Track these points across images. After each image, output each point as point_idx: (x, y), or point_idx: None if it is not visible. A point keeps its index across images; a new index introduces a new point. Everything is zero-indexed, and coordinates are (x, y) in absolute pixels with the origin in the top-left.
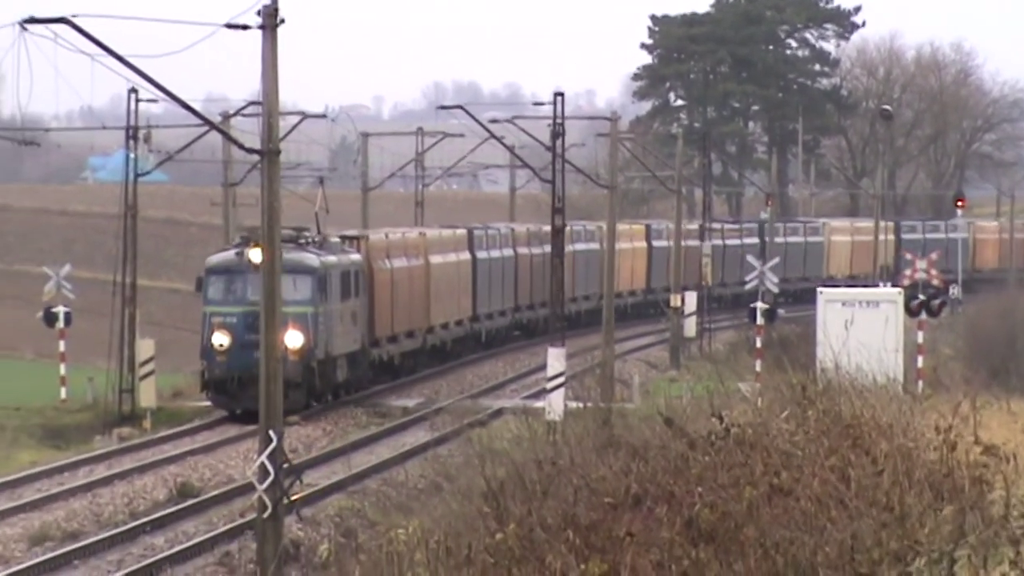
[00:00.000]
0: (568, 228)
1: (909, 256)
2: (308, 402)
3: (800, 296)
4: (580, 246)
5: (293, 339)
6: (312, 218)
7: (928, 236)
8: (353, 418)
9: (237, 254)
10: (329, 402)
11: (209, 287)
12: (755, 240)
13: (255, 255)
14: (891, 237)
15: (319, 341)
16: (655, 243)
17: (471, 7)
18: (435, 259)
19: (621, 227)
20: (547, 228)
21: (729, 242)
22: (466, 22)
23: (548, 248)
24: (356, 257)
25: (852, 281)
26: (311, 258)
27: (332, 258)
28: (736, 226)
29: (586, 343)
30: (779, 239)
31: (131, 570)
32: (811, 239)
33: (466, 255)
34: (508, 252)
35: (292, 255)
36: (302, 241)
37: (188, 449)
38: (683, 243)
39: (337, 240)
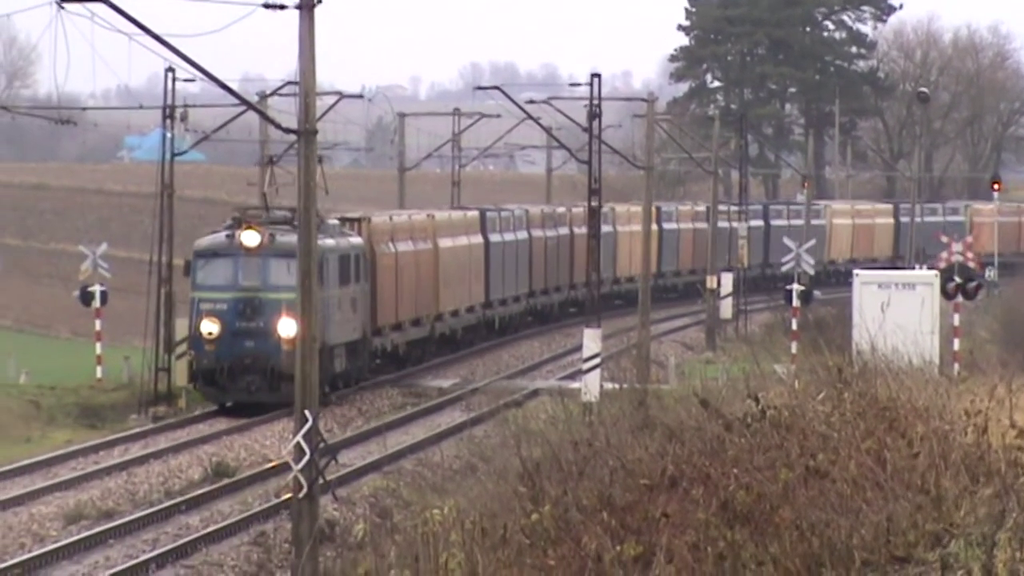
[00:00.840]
0: (581, 210)
1: (945, 239)
2: None
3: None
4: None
5: (286, 328)
6: (346, 199)
7: (926, 219)
8: (388, 398)
9: (228, 236)
10: (326, 394)
11: (198, 271)
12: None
13: (248, 237)
14: (890, 220)
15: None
16: (665, 226)
17: None
18: (444, 243)
19: (630, 209)
20: (561, 209)
21: (735, 224)
22: (503, 2)
23: (563, 231)
24: (356, 240)
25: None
26: None
27: (330, 241)
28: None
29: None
30: (781, 221)
31: (166, 549)
32: (813, 222)
33: (478, 238)
34: (523, 235)
35: (285, 238)
36: (296, 223)
37: (223, 428)
38: (692, 225)
39: (335, 222)
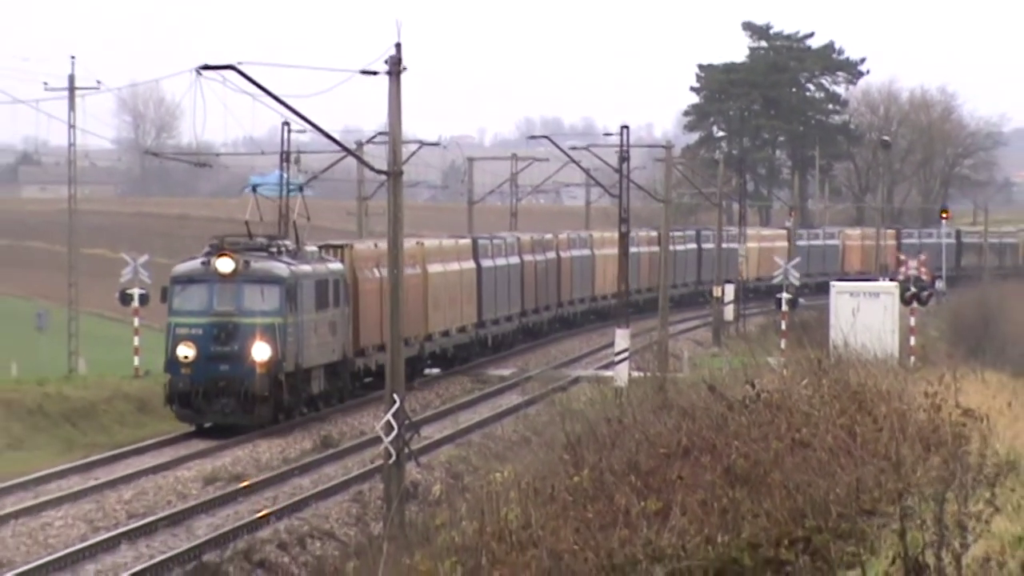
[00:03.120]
0: (566, 236)
1: (903, 256)
2: (276, 416)
3: (823, 287)
4: (576, 252)
5: (260, 352)
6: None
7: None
8: (460, 385)
9: (203, 264)
10: (305, 414)
11: (175, 297)
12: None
13: (223, 264)
14: (891, 242)
15: (287, 353)
16: (633, 249)
17: (555, 57)
18: (434, 268)
19: (603, 235)
20: (549, 236)
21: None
22: (551, 69)
23: (551, 255)
24: (336, 266)
25: (861, 276)
26: (280, 267)
27: (306, 268)
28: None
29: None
30: (803, 242)
31: (283, 505)
32: (828, 242)
33: (470, 263)
34: (514, 260)
35: (260, 264)
36: (273, 250)
37: (330, 410)
38: (673, 248)
39: (314, 249)
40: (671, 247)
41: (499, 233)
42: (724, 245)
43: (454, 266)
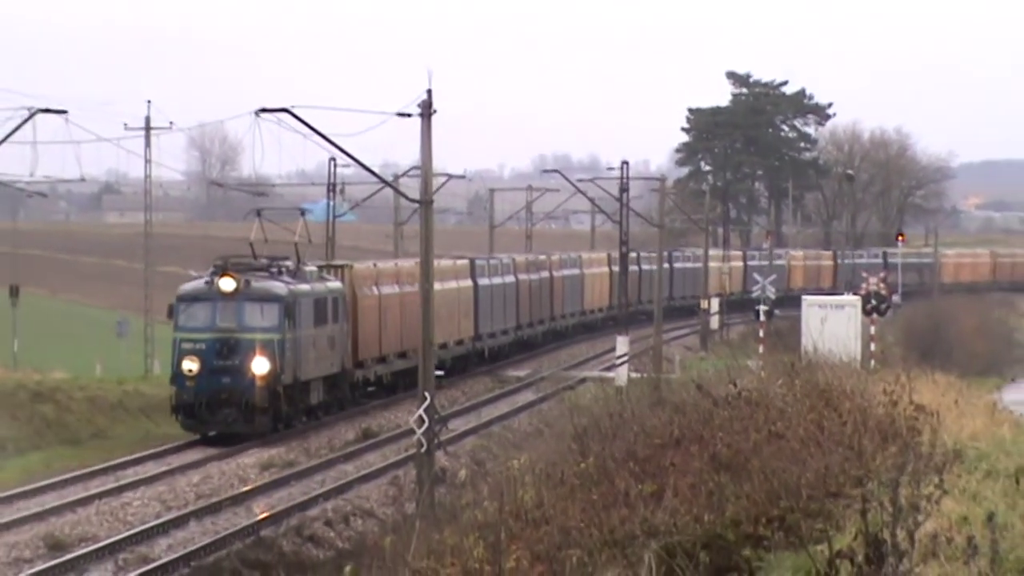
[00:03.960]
0: (558, 257)
1: (865, 274)
2: (275, 426)
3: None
4: (567, 271)
5: (259, 366)
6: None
7: (854, 261)
8: (483, 384)
9: (207, 283)
10: (304, 422)
11: (180, 314)
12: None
13: (225, 283)
14: (828, 263)
15: (286, 367)
16: (615, 268)
17: (565, 101)
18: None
19: (592, 256)
20: (542, 257)
21: (720, 264)
22: (561, 111)
23: (544, 274)
24: (335, 285)
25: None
26: (279, 287)
27: (304, 286)
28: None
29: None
30: (754, 263)
31: (330, 488)
32: (776, 263)
33: (468, 282)
34: (510, 279)
35: (260, 284)
36: (273, 270)
37: (371, 405)
38: (650, 267)
39: (313, 269)
40: (647, 267)
41: (496, 255)
42: (692, 265)
43: (452, 284)
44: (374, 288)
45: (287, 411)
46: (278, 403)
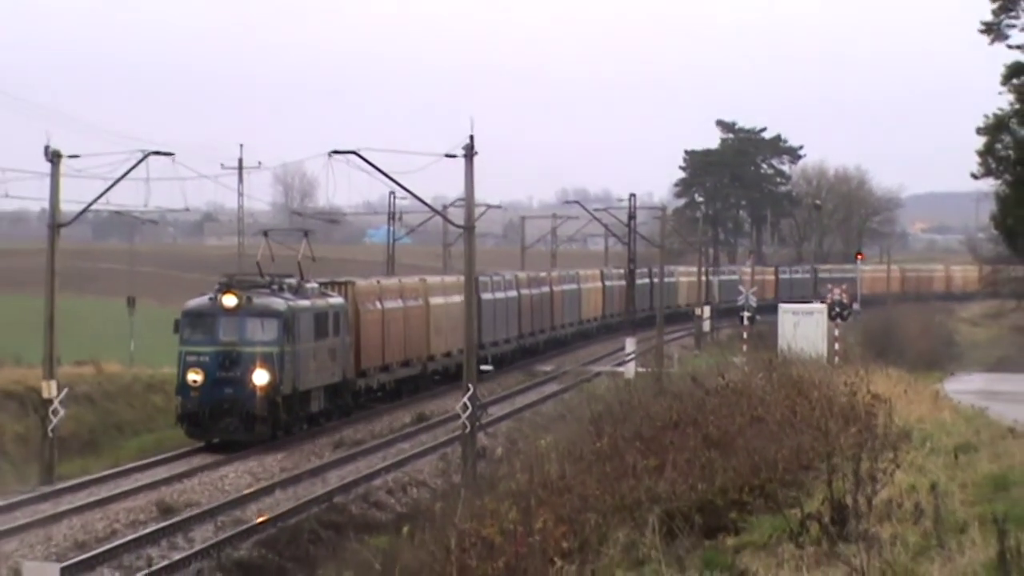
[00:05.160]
0: (557, 274)
1: (830, 286)
2: (274, 433)
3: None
4: (566, 286)
5: (259, 377)
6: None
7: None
8: (516, 378)
9: (211, 299)
10: (305, 429)
11: (185, 328)
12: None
13: (227, 300)
14: (771, 277)
15: (285, 378)
16: (607, 283)
17: (583, 143)
18: (436, 300)
19: (589, 272)
20: (543, 274)
21: (711, 278)
22: (580, 152)
23: (544, 289)
24: (337, 300)
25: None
26: (278, 303)
27: (304, 302)
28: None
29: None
30: (714, 277)
31: (390, 462)
32: (731, 277)
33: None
34: (512, 293)
35: (260, 300)
36: (274, 287)
37: (422, 396)
38: (609, 283)
39: (315, 286)
40: (627, 281)
41: (499, 271)
42: (668, 279)
43: (455, 298)
44: (377, 303)
45: (286, 419)
46: (277, 412)
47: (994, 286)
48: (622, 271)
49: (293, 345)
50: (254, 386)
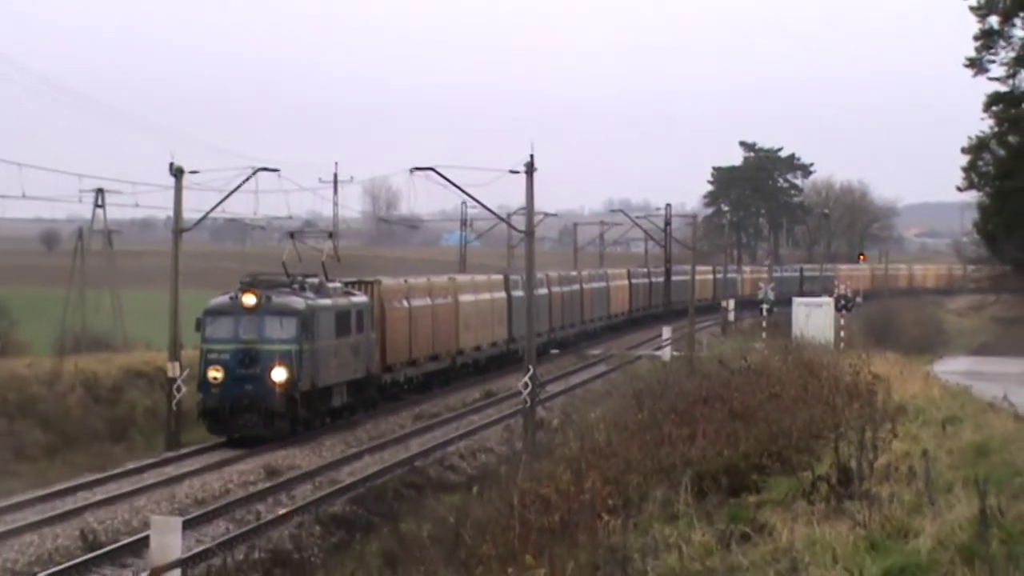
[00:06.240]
0: (587, 273)
1: (837, 282)
2: (293, 429)
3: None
4: (595, 284)
5: (278, 374)
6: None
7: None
8: (570, 360)
9: (231, 298)
10: (327, 423)
11: (207, 327)
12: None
13: (247, 299)
14: (764, 275)
15: (304, 375)
16: (633, 281)
17: (626, 158)
18: (465, 298)
19: (616, 271)
20: (574, 273)
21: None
22: (623, 167)
23: (575, 287)
24: (360, 299)
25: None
26: (297, 301)
27: (325, 301)
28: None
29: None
30: (719, 276)
31: (461, 433)
32: (730, 276)
33: (502, 294)
34: (543, 291)
35: (280, 299)
36: (296, 286)
37: (489, 374)
38: (635, 281)
39: (338, 285)
40: (654, 279)
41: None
42: (682, 277)
43: (485, 296)
44: (404, 301)
45: (305, 415)
46: (295, 408)
47: (977, 282)
48: (646, 270)
49: (312, 343)
50: (273, 383)
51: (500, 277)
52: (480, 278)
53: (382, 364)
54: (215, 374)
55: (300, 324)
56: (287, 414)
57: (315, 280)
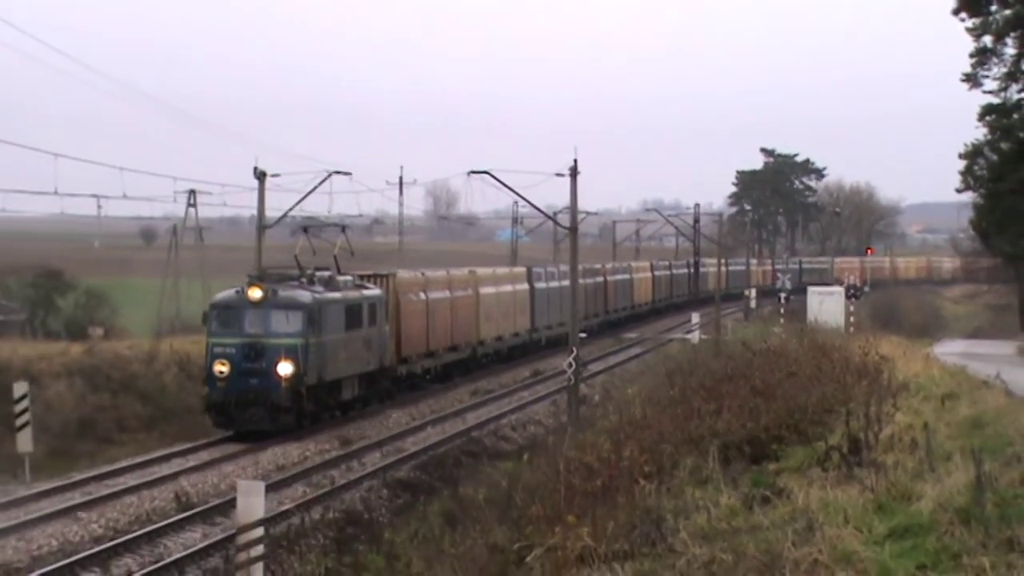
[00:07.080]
0: (611, 265)
1: (846, 272)
2: (299, 422)
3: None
4: (618, 276)
5: (284, 368)
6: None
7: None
8: (608, 343)
9: (237, 293)
10: (337, 416)
11: (213, 321)
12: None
13: (253, 293)
14: (769, 267)
15: (310, 368)
16: (656, 273)
17: (660, 162)
18: (486, 290)
19: (639, 264)
20: (598, 265)
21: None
22: (657, 170)
23: (599, 279)
24: (373, 292)
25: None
26: (303, 295)
27: (333, 294)
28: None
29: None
30: (731, 268)
31: (512, 407)
32: (740, 268)
33: (524, 286)
34: (566, 283)
35: (286, 293)
36: (303, 280)
37: (543, 353)
38: (658, 273)
39: (348, 278)
40: (675, 271)
41: (552, 264)
42: (705, 270)
43: (507, 288)
44: (421, 294)
45: (311, 409)
46: (301, 402)
47: (972, 273)
48: (667, 263)
49: (319, 336)
50: (279, 377)
51: (523, 270)
52: (502, 270)
53: (397, 356)
54: (221, 368)
55: (306, 318)
56: (292, 408)
57: (325, 274)
